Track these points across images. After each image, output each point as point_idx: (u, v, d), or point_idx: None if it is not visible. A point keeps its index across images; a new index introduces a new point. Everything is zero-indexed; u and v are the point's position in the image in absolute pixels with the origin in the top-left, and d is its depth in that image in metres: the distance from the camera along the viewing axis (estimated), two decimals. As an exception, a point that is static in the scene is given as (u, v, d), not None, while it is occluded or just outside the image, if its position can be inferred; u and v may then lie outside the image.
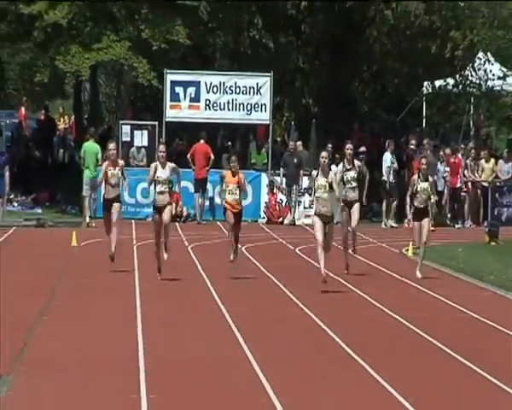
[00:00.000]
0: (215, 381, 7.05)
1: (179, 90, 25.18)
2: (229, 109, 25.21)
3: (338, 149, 22.14)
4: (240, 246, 14.94)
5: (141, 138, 25.41)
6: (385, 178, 23.05)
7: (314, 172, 13.48)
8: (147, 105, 32.53)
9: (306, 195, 23.07)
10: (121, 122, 26.42)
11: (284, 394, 6.34)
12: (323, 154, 13.52)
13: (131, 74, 27.96)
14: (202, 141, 24.82)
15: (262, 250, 18.36)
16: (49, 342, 10.01)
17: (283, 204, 24.13)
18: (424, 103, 29.65)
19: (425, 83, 29.04)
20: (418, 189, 13.68)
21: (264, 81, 25.43)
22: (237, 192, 14.02)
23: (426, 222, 13.79)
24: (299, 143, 25.57)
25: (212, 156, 24.50)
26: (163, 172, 13.68)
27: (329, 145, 24.26)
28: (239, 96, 25.19)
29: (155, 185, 13.68)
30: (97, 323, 11.06)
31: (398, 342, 9.47)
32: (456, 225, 23.97)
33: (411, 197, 14.28)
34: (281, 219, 23.57)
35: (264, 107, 25.39)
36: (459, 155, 24.64)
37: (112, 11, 25.79)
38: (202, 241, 20.67)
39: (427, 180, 13.97)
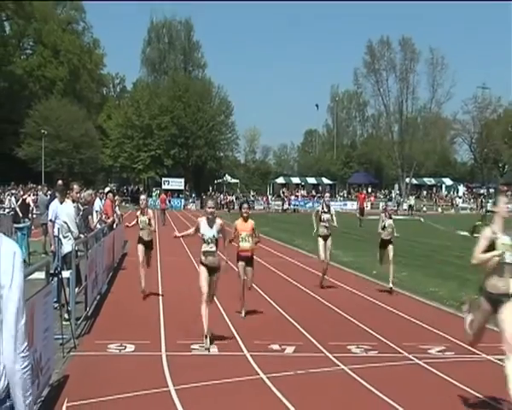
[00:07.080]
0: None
1: (166, 182, 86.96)
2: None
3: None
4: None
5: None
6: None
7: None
8: (160, 185, 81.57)
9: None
10: (154, 188, 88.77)
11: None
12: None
13: (155, 178, 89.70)
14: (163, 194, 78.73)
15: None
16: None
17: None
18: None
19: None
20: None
21: (182, 180, 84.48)
22: (249, 238, 11.79)
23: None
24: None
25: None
26: (210, 232, 9.71)
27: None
28: (176, 181, 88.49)
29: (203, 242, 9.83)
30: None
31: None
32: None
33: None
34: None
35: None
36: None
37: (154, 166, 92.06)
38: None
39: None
